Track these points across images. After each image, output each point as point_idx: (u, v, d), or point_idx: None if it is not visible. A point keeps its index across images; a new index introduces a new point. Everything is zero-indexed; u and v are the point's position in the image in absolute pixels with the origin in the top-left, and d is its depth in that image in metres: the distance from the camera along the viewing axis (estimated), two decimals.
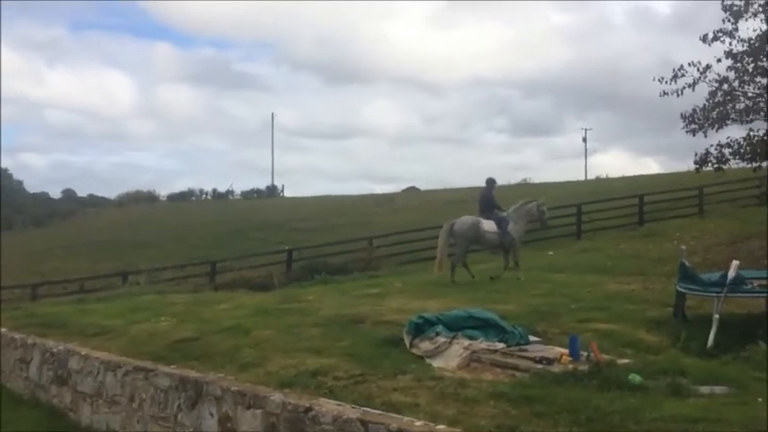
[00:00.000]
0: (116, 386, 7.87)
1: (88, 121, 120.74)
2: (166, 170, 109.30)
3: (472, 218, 13.35)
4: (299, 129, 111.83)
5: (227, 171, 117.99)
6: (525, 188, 40.63)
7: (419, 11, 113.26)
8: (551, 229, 19.31)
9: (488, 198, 13.64)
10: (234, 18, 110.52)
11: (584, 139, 63.57)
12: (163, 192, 64.24)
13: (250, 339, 8.15)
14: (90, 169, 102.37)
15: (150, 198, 60.72)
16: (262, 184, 66.48)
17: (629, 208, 22.10)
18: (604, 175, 45.72)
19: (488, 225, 13.11)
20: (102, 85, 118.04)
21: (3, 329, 11.47)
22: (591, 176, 51.28)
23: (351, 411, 5.10)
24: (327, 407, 5.28)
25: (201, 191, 63.91)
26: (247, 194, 62.10)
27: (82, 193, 67.37)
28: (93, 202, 62.20)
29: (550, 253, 17.13)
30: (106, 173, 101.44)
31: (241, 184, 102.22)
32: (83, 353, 8.68)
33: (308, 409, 5.33)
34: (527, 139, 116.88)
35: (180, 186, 79.41)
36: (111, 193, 67.53)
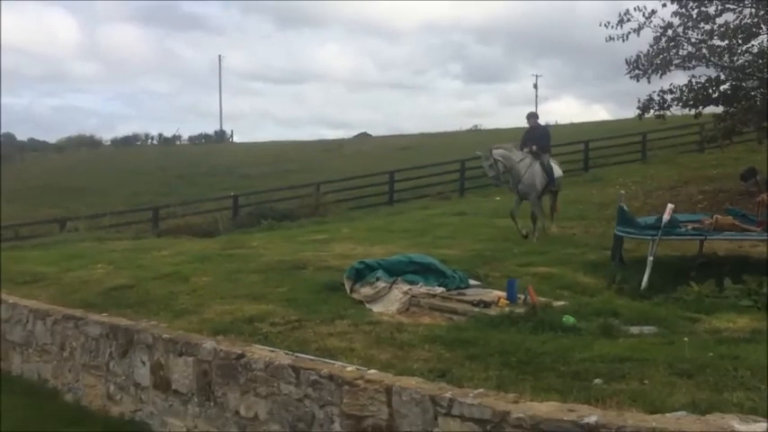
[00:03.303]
0: (46, 335, 7.60)
1: (27, 62, 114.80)
2: (111, 114, 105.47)
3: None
4: (249, 72, 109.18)
5: (175, 115, 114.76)
6: (476, 134, 40.82)
7: None
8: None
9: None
10: None
11: (535, 86, 64.21)
12: (107, 136, 62.12)
13: (188, 286, 7.96)
14: (30, 112, 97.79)
15: (93, 143, 58.45)
16: (210, 128, 64.94)
17: (575, 154, 22.39)
18: (554, 122, 46.15)
19: None
20: (42, 24, 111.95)
21: None
22: (542, 123, 51.71)
23: (283, 357, 5.01)
24: (260, 353, 5.18)
25: (147, 135, 62.06)
26: (195, 139, 60.58)
27: (22, 137, 64.44)
28: (34, 146, 59.56)
29: (497, 198, 17.23)
30: (47, 116, 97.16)
31: (189, 128, 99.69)
32: (11, 301, 8.34)
33: (240, 356, 5.23)
34: (481, 85, 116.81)
35: (125, 131, 76.82)
36: (53, 137, 64.73)
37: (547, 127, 12.11)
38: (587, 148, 22.42)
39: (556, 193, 12.23)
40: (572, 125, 39.93)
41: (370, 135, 53.02)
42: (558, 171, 11.85)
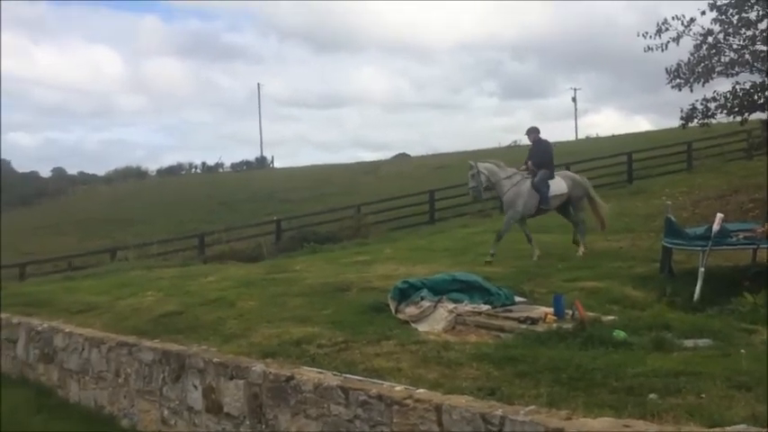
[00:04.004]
0: (101, 362, 7.81)
1: (76, 98, 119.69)
2: (156, 145, 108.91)
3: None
4: (288, 99, 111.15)
5: (217, 144, 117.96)
6: (515, 151, 40.54)
7: None
8: None
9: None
10: None
11: (574, 99, 63.77)
12: (152, 167, 64.03)
13: (235, 311, 8.09)
14: (80, 147, 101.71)
15: (139, 174, 60.22)
16: (251, 155, 66.22)
17: (617, 166, 22.06)
18: (594, 135, 45.70)
19: None
20: (89, 61, 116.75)
21: None
22: (581, 136, 51.27)
23: (331, 379, 5.05)
24: (309, 375, 5.22)
25: (191, 164, 63.72)
26: (237, 167, 61.85)
27: (72, 170, 66.95)
28: (83, 179, 61.63)
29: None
30: (96, 150, 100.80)
31: (231, 156, 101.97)
32: (67, 330, 8.60)
33: (290, 378, 5.28)
34: (518, 101, 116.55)
35: (169, 161, 78.98)
36: (102, 170, 67.09)
37: (548, 142, 11.76)
38: (630, 160, 22.05)
39: (595, 204, 11.80)
40: (613, 137, 39.38)
41: (409, 155, 53.20)
42: (560, 188, 11.13)
